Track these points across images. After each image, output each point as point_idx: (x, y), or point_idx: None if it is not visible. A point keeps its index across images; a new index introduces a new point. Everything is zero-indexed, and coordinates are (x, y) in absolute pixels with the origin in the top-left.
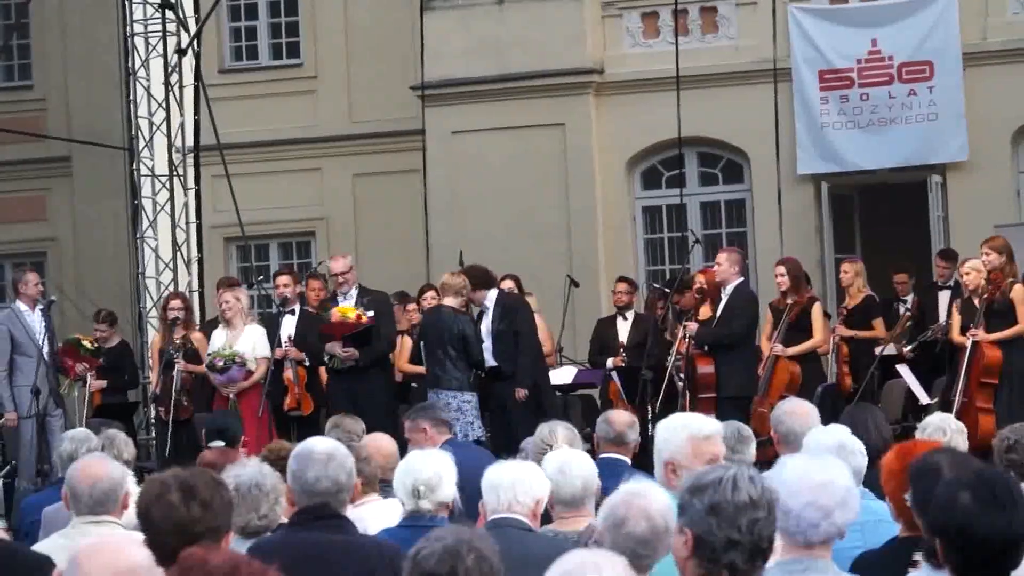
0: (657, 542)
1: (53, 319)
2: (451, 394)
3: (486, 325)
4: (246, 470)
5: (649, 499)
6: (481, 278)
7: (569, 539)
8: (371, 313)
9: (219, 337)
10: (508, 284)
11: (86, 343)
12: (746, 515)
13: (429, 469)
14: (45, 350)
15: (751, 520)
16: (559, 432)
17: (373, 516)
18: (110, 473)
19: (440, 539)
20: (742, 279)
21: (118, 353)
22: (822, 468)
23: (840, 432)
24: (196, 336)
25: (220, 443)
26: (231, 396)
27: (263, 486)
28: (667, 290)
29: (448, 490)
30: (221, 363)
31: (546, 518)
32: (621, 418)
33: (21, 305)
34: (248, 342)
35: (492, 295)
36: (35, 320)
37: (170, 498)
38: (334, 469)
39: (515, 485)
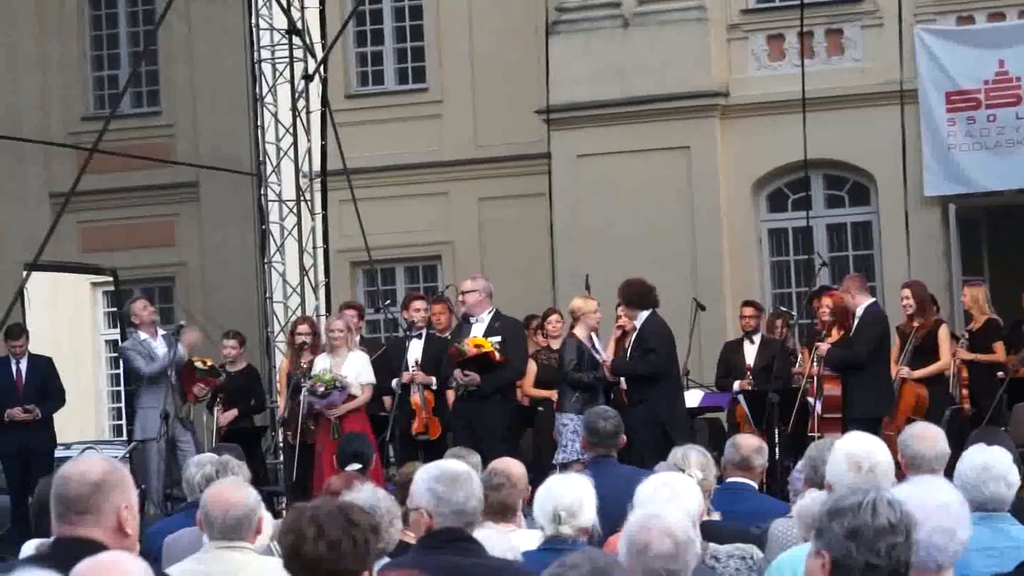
0: (684, 555)
1: (180, 344)
2: (557, 415)
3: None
4: (361, 494)
5: (665, 517)
6: (635, 296)
7: None
8: (495, 339)
9: (321, 362)
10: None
11: (199, 363)
12: (885, 539)
13: (571, 494)
14: (172, 375)
15: (890, 545)
16: (692, 456)
17: (525, 542)
18: (245, 499)
19: (575, 566)
20: (872, 300)
21: (246, 377)
22: (933, 491)
23: (994, 455)
24: None
25: (356, 466)
26: (333, 419)
27: (377, 509)
28: (792, 313)
29: (588, 515)
30: (322, 388)
31: None
32: (748, 442)
33: (141, 334)
34: (351, 369)
35: (643, 316)
36: (158, 346)
37: (303, 532)
38: (477, 489)
39: (670, 501)
